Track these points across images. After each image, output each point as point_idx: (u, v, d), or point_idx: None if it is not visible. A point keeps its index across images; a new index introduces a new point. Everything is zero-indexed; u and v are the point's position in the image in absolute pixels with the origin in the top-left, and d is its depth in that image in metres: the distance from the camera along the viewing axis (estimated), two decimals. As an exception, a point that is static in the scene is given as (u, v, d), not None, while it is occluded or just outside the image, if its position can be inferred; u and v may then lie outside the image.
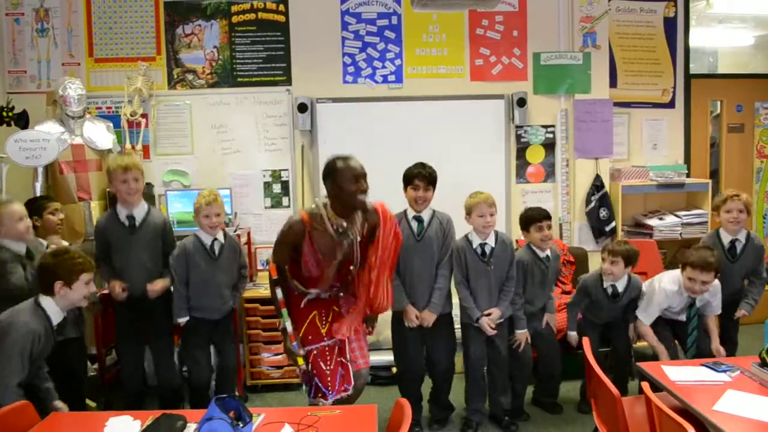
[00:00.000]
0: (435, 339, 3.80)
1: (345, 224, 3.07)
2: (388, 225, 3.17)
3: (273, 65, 5.06)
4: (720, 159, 5.80)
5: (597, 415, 2.94)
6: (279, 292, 3.17)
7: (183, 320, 3.66)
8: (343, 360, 3.22)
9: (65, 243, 3.78)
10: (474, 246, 3.71)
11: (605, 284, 3.88)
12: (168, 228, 3.76)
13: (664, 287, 3.68)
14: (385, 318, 3.98)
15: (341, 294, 3.35)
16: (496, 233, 3.76)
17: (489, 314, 3.70)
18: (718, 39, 6.39)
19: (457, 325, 3.94)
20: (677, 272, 3.65)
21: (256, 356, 4.45)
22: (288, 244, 3.12)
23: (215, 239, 3.68)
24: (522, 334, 3.85)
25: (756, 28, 6.24)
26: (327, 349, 3.19)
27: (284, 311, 3.16)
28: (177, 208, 4.68)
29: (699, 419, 2.46)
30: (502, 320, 3.75)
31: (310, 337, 3.19)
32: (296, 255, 3.13)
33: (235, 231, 4.52)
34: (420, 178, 3.65)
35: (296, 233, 3.07)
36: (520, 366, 3.91)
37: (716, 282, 3.61)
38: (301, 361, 3.15)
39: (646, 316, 3.75)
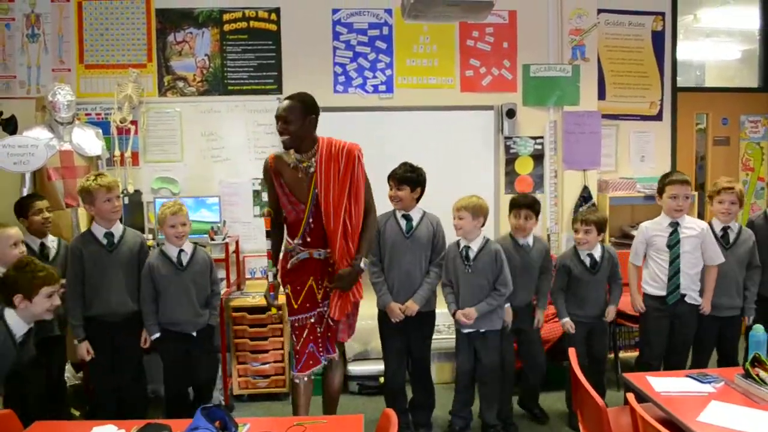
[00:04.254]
0: (414, 332, 3.84)
1: (299, 156, 3.26)
2: (330, 153, 3.24)
3: (264, 74, 5.07)
4: (706, 172, 5.86)
5: (583, 426, 2.95)
6: (269, 243, 3.42)
7: (155, 336, 3.60)
8: (321, 327, 3.35)
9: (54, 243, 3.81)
10: (459, 248, 3.75)
11: (582, 255, 3.95)
12: (145, 248, 3.72)
13: (643, 223, 3.92)
14: (372, 327, 4.02)
15: (329, 251, 3.33)
16: (486, 241, 3.78)
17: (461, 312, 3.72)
18: (705, 53, 6.48)
19: (451, 335, 3.96)
20: None
21: (243, 365, 4.44)
22: (267, 185, 3.42)
23: (182, 250, 3.64)
24: (506, 308, 3.85)
25: (742, 42, 6.32)
26: (309, 321, 3.30)
27: (270, 262, 3.43)
28: (166, 215, 4.65)
29: (683, 430, 2.48)
30: (483, 329, 3.75)
31: (308, 305, 3.32)
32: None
33: (223, 239, 4.53)
34: (392, 177, 3.75)
35: (265, 172, 3.37)
36: (503, 373, 3.93)
37: (705, 226, 3.79)
38: (274, 310, 3.59)
39: (634, 257, 3.92)
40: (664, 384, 2.87)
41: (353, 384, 4.61)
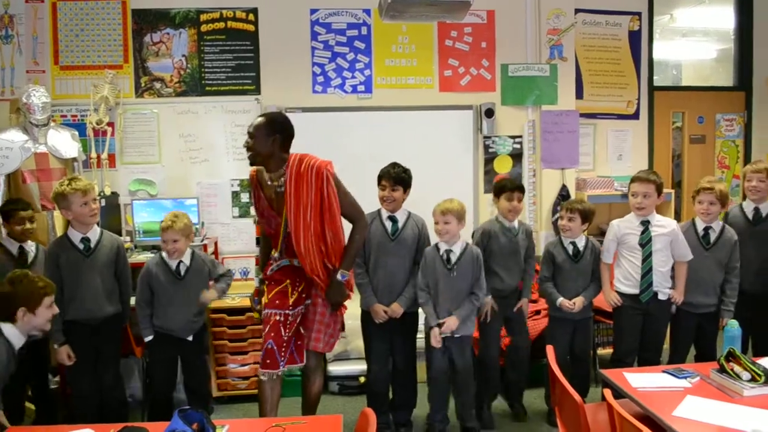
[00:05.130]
0: (397, 333, 3.83)
1: (270, 176, 3.28)
2: (299, 173, 3.23)
3: (242, 74, 5.05)
4: (682, 170, 5.93)
5: (560, 423, 2.96)
6: (258, 250, 3.50)
7: (149, 339, 3.62)
8: (301, 331, 3.36)
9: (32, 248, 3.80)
10: (440, 252, 3.75)
11: (565, 243, 3.98)
12: (122, 253, 3.67)
13: (614, 221, 3.94)
14: (351, 327, 4.02)
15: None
16: (467, 244, 3.78)
17: (443, 323, 3.68)
18: (681, 52, 6.55)
19: (421, 335, 3.97)
20: None
21: (223, 367, 4.41)
22: (253, 197, 3.45)
23: (180, 261, 3.64)
24: (487, 300, 3.86)
25: (718, 41, 6.41)
26: (274, 317, 3.28)
27: (257, 268, 3.45)
28: (143, 217, 4.62)
29: (660, 425, 2.50)
30: (458, 334, 3.75)
31: (277, 302, 3.31)
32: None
33: (202, 241, 4.50)
34: (386, 177, 3.73)
35: (250, 183, 3.44)
36: (487, 373, 3.96)
37: (675, 224, 3.83)
38: (257, 315, 3.53)
39: (605, 254, 3.93)
40: (641, 380, 2.90)
41: (333, 384, 4.59)
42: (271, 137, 3.21)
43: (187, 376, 3.75)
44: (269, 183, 3.30)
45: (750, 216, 4.04)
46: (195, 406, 3.70)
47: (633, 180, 3.87)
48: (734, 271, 3.89)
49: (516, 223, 3.98)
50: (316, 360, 3.51)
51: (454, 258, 3.70)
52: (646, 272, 3.77)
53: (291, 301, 3.33)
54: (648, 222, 3.78)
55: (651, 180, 3.78)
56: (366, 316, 3.86)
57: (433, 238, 3.82)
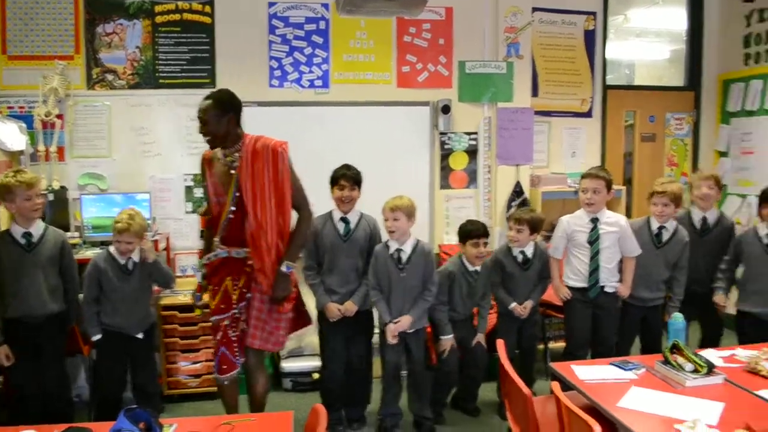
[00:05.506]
0: (353, 331, 3.85)
1: (226, 152, 3.27)
2: (255, 151, 3.23)
3: (197, 67, 4.98)
4: (633, 167, 6.05)
5: (510, 415, 3.01)
6: (201, 243, 3.45)
7: (96, 338, 3.53)
8: (234, 331, 3.31)
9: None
10: (390, 251, 3.75)
11: (514, 252, 4.05)
12: (67, 248, 3.58)
13: (563, 217, 4.00)
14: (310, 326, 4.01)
15: (248, 250, 3.30)
16: (417, 242, 3.80)
17: (398, 321, 3.71)
18: (635, 52, 6.68)
19: (377, 331, 3.99)
20: None
21: (174, 365, 4.35)
22: (202, 178, 3.44)
23: (129, 257, 3.57)
24: (447, 341, 3.91)
25: (670, 42, 6.55)
26: (223, 323, 3.29)
27: (200, 261, 3.42)
28: (92, 212, 4.53)
29: (605, 416, 2.56)
30: (412, 330, 3.78)
31: (222, 306, 3.30)
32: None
33: (153, 236, 4.43)
34: (346, 178, 3.73)
35: (201, 163, 3.42)
36: (445, 375, 3.99)
37: (624, 220, 3.90)
38: (198, 311, 3.53)
39: (554, 250, 4.00)
40: (588, 372, 2.96)
41: (287, 381, 4.58)
42: (226, 117, 3.21)
43: (136, 374, 3.68)
44: (222, 159, 3.29)
45: (698, 226, 4.13)
46: (144, 405, 3.67)
47: (583, 176, 3.94)
48: (683, 270, 3.99)
49: (479, 267, 4.02)
50: (255, 357, 3.42)
51: (404, 257, 3.73)
52: (594, 269, 3.84)
53: (234, 299, 3.32)
54: (597, 219, 3.85)
55: (601, 176, 3.85)
56: (322, 316, 3.85)
57: (385, 236, 3.83)
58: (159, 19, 4.91)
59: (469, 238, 3.95)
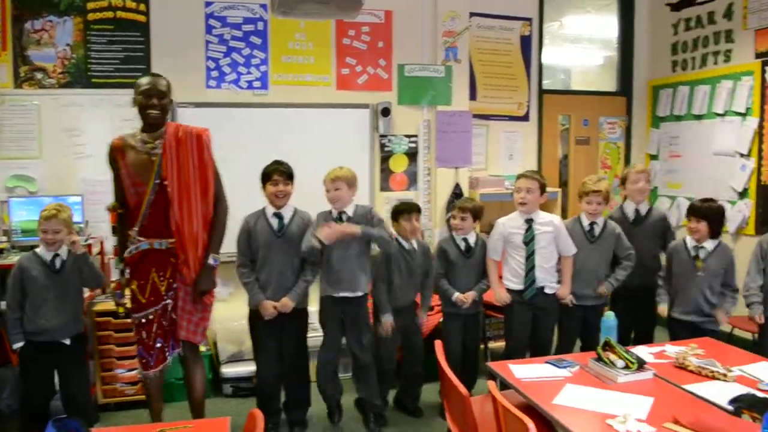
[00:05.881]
0: (287, 330, 3.80)
1: (146, 137, 3.23)
2: (178, 139, 3.24)
3: (131, 66, 4.84)
4: (569, 170, 6.21)
5: (449, 416, 3.03)
6: (116, 240, 3.34)
7: (18, 345, 3.36)
8: (167, 321, 3.31)
9: None
10: (333, 216, 3.79)
11: (457, 240, 4.12)
12: None
13: (500, 219, 4.07)
14: (245, 328, 3.95)
15: (173, 242, 3.28)
16: (356, 206, 3.84)
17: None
18: (570, 58, 6.84)
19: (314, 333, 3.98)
20: None
21: (109, 372, 4.22)
22: (112, 169, 3.30)
23: (56, 254, 3.42)
24: (387, 321, 3.91)
25: (603, 49, 6.73)
26: (157, 314, 3.28)
27: (117, 259, 3.32)
28: (21, 216, 4.36)
29: (541, 413, 2.60)
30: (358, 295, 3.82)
31: (152, 299, 3.27)
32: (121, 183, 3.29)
33: (86, 240, 4.29)
34: (278, 173, 3.70)
35: (111, 152, 3.29)
36: (382, 360, 4.00)
37: (558, 220, 3.99)
38: (121, 309, 3.39)
39: (492, 252, 4.06)
40: (525, 371, 3.00)
41: (227, 386, 4.51)
42: (170, 96, 3.29)
43: (65, 384, 3.51)
44: (140, 146, 3.23)
45: (631, 217, 4.30)
46: (75, 415, 3.53)
47: (518, 177, 4.03)
48: (629, 255, 4.12)
49: (415, 244, 4.05)
50: (192, 350, 3.45)
51: (345, 219, 3.77)
52: (530, 269, 3.92)
53: (163, 290, 3.30)
54: (532, 220, 3.93)
55: (534, 177, 3.94)
56: (254, 315, 3.81)
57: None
58: (91, 16, 4.77)
59: (401, 214, 4.01)
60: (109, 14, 4.80)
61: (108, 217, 3.42)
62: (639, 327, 4.37)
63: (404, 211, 4.02)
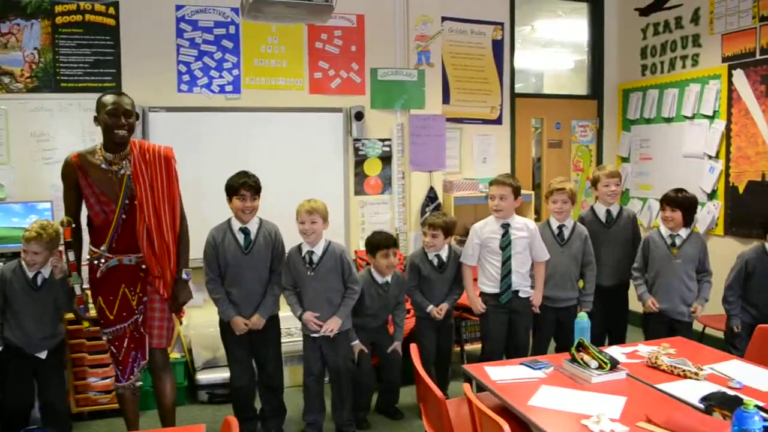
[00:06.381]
0: (258, 338, 3.77)
1: (111, 157, 3.19)
2: (145, 159, 3.24)
3: (101, 70, 4.78)
4: (542, 172, 6.26)
5: (425, 418, 3.03)
6: (71, 255, 3.24)
7: None
8: (139, 333, 3.30)
9: None
10: (302, 253, 3.74)
11: (430, 256, 4.12)
12: None
13: (476, 225, 4.06)
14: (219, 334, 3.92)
15: (141, 256, 3.29)
16: (328, 243, 3.79)
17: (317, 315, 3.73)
18: (542, 62, 6.92)
19: (299, 338, 3.94)
20: None
21: (82, 381, 4.15)
22: (67, 186, 3.23)
23: (39, 272, 3.46)
24: (356, 346, 3.94)
25: (574, 52, 6.82)
26: (128, 329, 3.27)
27: (75, 274, 3.24)
28: (-11, 222, 4.28)
29: (516, 415, 2.61)
30: (338, 332, 3.77)
31: (124, 314, 3.25)
32: (81, 200, 3.24)
33: (58, 247, 4.21)
34: (246, 187, 3.63)
35: (68, 169, 3.21)
36: (360, 378, 3.99)
37: (533, 224, 3.99)
38: (86, 324, 3.42)
39: (467, 256, 4.05)
40: (500, 372, 3.01)
41: (202, 393, 4.46)
42: (135, 113, 3.27)
43: (43, 393, 3.52)
44: (104, 165, 3.19)
45: (603, 219, 4.36)
46: (51, 424, 3.51)
47: (491, 183, 4.03)
48: (590, 264, 4.19)
49: (389, 278, 4.04)
50: (163, 357, 3.44)
51: (316, 259, 3.72)
52: (506, 274, 3.94)
53: (134, 304, 3.29)
54: (508, 225, 3.95)
55: (507, 183, 3.94)
56: (224, 325, 3.77)
57: (293, 238, 3.81)
58: (59, 19, 4.69)
59: (378, 250, 3.97)
60: (78, 18, 4.73)
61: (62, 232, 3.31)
62: (613, 326, 4.43)
63: (382, 247, 3.97)
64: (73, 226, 3.26)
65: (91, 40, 4.76)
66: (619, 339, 4.29)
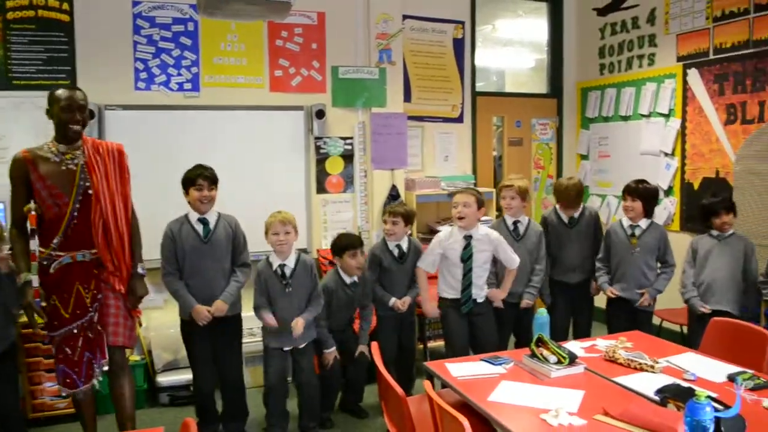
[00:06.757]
0: (220, 338, 3.73)
1: (65, 148, 3.18)
2: (99, 154, 3.25)
3: (55, 67, 4.66)
4: (503, 170, 6.31)
5: (387, 416, 3.03)
6: (34, 243, 3.12)
7: None
8: (93, 333, 3.23)
9: None
10: (274, 267, 3.71)
11: (390, 247, 4.15)
12: None
13: (439, 234, 4.06)
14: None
15: (95, 252, 3.24)
16: (299, 255, 3.78)
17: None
18: (503, 60, 6.98)
19: (250, 339, 3.92)
20: None
21: (38, 386, 4.06)
22: (17, 183, 3.18)
23: None
24: (330, 354, 3.92)
25: (534, 52, 6.89)
26: (83, 328, 3.21)
27: (34, 264, 3.12)
28: (-63, 223, 4.14)
29: (477, 410, 2.63)
30: (302, 344, 3.75)
31: (78, 312, 3.20)
32: (32, 195, 3.15)
33: (10, 249, 4.10)
34: (203, 178, 3.62)
35: (17, 165, 3.18)
36: (329, 382, 3.98)
37: (495, 234, 4.00)
38: (40, 320, 3.19)
39: (427, 264, 4.03)
40: (461, 369, 3.03)
41: (163, 396, 4.40)
42: (88, 109, 3.28)
43: None
44: (59, 157, 3.17)
45: (566, 219, 4.44)
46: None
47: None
48: (541, 260, 4.28)
49: (356, 278, 4.03)
50: (122, 357, 3.38)
51: (288, 272, 3.71)
52: (467, 285, 3.94)
53: (89, 302, 3.23)
54: (470, 236, 3.92)
55: (471, 192, 3.94)
56: (185, 324, 3.72)
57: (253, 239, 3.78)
58: (10, 15, 4.56)
59: (346, 251, 3.96)
60: (30, 13, 4.61)
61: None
62: (578, 322, 4.54)
63: (350, 247, 3.96)
64: (40, 212, 3.16)
65: (44, 36, 4.64)
66: (584, 335, 4.35)
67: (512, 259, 3.99)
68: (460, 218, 3.89)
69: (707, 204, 4.09)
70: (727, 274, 3.99)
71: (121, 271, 3.29)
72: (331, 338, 3.93)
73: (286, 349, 3.74)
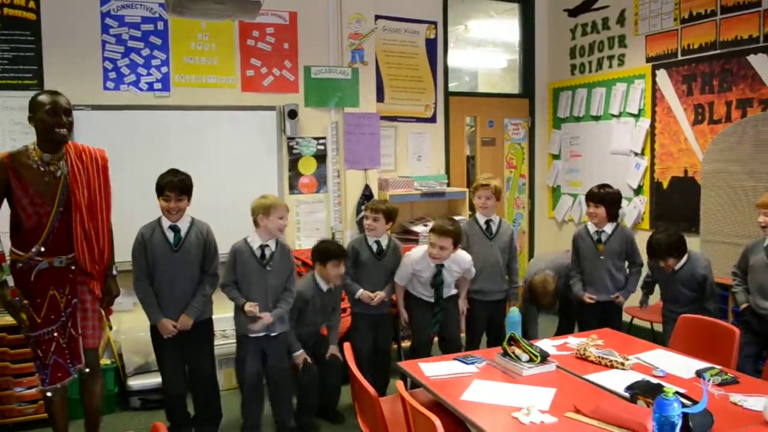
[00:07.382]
0: (190, 342, 3.68)
1: (49, 157, 3.11)
2: (82, 160, 3.22)
3: (21, 67, 4.57)
4: (475, 170, 6.34)
5: (360, 417, 3.02)
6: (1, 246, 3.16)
7: None
8: (67, 338, 3.22)
9: None
10: (254, 248, 3.66)
11: (370, 242, 4.16)
12: None
13: (411, 252, 4.11)
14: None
15: (71, 257, 3.23)
16: (277, 239, 3.74)
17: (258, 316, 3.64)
18: (475, 61, 7.01)
19: (234, 340, 3.87)
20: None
21: (6, 391, 3.96)
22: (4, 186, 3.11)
23: None
24: (299, 356, 3.87)
25: (506, 52, 6.93)
26: (54, 333, 3.18)
27: (5, 265, 3.16)
28: None
29: (450, 410, 2.63)
30: (274, 333, 3.71)
31: (52, 317, 3.17)
32: (12, 201, 3.10)
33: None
34: (170, 187, 3.54)
35: (3, 168, 3.06)
36: (306, 382, 3.93)
37: (466, 256, 4.05)
38: (24, 316, 3.15)
39: (400, 277, 4.12)
40: (434, 369, 3.03)
41: (134, 399, 4.34)
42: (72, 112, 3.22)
43: None
44: (42, 166, 3.10)
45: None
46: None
47: (432, 230, 3.99)
48: (514, 258, 4.36)
49: (332, 285, 4.01)
50: (96, 357, 3.41)
51: (268, 253, 3.68)
52: (438, 299, 4.09)
53: (62, 307, 3.21)
54: (442, 265, 4.01)
55: (449, 233, 3.90)
56: (155, 329, 3.67)
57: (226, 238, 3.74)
58: (-25, 14, 4.48)
59: (330, 259, 3.90)
60: (-5, 12, 4.53)
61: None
62: (562, 318, 4.69)
63: (335, 257, 3.90)
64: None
65: (9, 35, 4.55)
66: (568, 330, 4.44)
67: (471, 274, 4.15)
68: (435, 258, 3.96)
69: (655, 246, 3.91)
70: None
71: (100, 275, 3.31)
72: (299, 343, 3.88)
73: (259, 335, 3.67)
